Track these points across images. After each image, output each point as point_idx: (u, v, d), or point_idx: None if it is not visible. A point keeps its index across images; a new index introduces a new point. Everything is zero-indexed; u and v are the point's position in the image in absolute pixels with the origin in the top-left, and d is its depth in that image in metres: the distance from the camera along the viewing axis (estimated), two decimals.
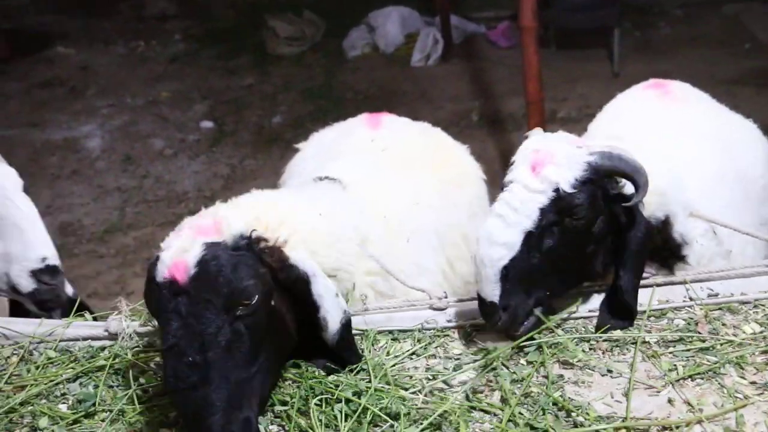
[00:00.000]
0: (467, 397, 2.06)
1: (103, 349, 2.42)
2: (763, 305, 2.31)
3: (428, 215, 2.91)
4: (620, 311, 2.26)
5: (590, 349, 2.22)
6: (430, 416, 1.94)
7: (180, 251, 1.97)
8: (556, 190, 2.10)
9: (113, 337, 2.44)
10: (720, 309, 2.32)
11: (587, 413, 1.94)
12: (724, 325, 2.25)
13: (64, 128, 8.86)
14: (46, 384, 2.29)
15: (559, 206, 2.10)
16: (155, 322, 2.43)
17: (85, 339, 2.46)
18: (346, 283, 2.37)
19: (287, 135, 8.47)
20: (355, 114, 9.37)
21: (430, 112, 8.23)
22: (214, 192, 7.51)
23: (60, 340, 2.46)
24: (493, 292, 2.08)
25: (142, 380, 2.25)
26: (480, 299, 2.13)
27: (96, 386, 2.25)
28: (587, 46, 9.34)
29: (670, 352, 2.16)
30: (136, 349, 2.40)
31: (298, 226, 2.23)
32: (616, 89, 9.04)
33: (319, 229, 2.32)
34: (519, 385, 2.08)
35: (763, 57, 8.98)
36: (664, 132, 2.68)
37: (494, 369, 2.14)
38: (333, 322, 2.13)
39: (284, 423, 2.05)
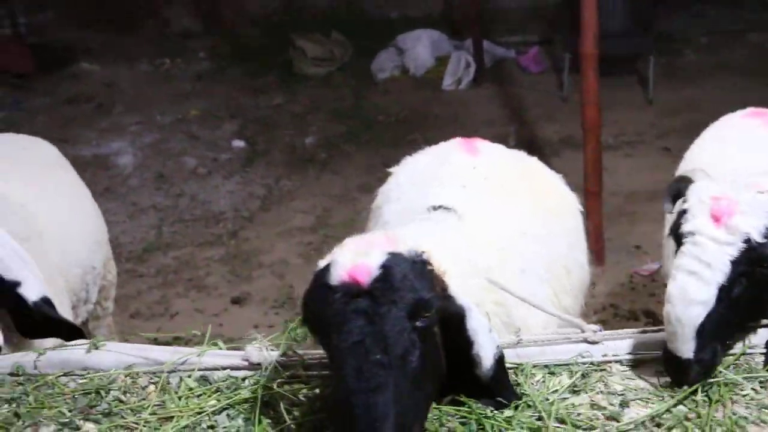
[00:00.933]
0: None
1: (244, 379, 2.34)
2: None
3: (535, 246, 2.87)
4: None
5: (761, 387, 2.17)
6: None
7: (359, 255, 1.92)
8: (747, 240, 2.06)
9: (253, 367, 2.36)
10: None
11: None
12: None
13: (93, 145, 8.78)
14: (191, 416, 2.21)
15: (750, 257, 2.07)
16: (294, 353, 2.37)
17: (223, 368, 2.37)
18: None
19: (321, 155, 8.45)
20: (388, 137, 9.39)
21: (465, 136, 8.20)
22: (251, 213, 7.44)
23: (198, 369, 2.38)
24: (689, 350, 2.05)
25: (295, 413, 2.17)
26: (668, 356, 2.10)
27: (247, 419, 2.17)
28: (617, 74, 9.37)
29: None
30: (280, 380, 2.31)
31: (444, 259, 2.17)
32: (650, 116, 9.08)
33: (460, 261, 2.27)
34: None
35: None
36: None
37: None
38: (487, 358, 2.06)
39: None
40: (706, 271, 2.05)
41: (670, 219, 2.63)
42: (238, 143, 8.72)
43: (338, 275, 1.89)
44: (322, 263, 1.99)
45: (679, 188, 2.35)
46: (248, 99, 9.73)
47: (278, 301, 6.11)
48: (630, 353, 2.30)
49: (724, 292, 2.05)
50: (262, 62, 10.49)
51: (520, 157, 3.49)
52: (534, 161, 3.52)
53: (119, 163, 8.37)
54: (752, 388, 2.15)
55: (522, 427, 2.01)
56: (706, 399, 2.10)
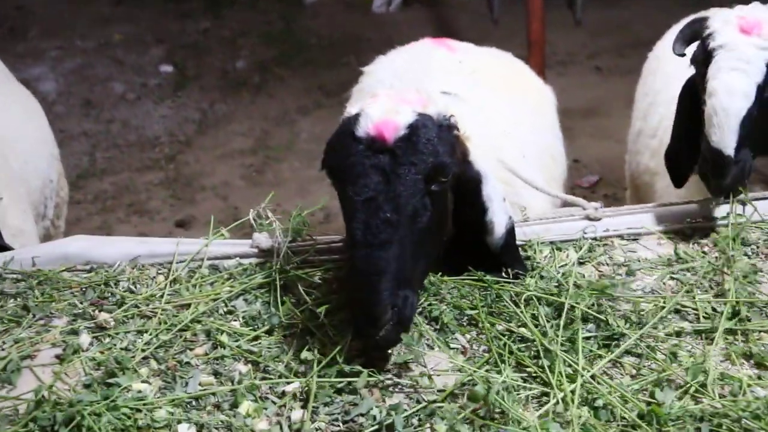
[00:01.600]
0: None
1: (256, 265, 2.32)
2: None
3: (529, 135, 2.93)
4: None
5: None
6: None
7: (389, 112, 1.93)
8: None
9: (264, 254, 2.34)
10: None
11: None
12: None
13: (10, 70, 8.30)
14: (207, 303, 2.19)
15: None
16: (304, 238, 2.36)
17: (233, 257, 2.35)
18: None
19: (254, 79, 8.26)
20: (321, 60, 9.18)
21: None
22: (188, 137, 7.26)
23: (207, 258, 2.34)
24: (731, 143, 2.18)
25: (315, 294, 2.17)
26: (709, 156, 2.21)
27: (265, 302, 2.17)
28: None
29: None
30: (293, 265, 2.30)
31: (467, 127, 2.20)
32: (581, 37, 9.15)
33: (475, 135, 2.30)
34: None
35: (715, 6, 9.33)
36: None
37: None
38: (499, 224, 2.13)
39: (482, 325, 2.03)
40: (746, 66, 2.22)
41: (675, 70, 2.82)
42: (167, 68, 8.43)
43: (365, 127, 1.91)
44: (351, 110, 2.01)
45: (693, 30, 2.46)
46: (174, 23, 9.36)
47: (224, 223, 5.99)
48: (630, 228, 2.40)
49: (759, 91, 2.22)
50: None
51: (496, 53, 3.52)
52: (510, 56, 3.55)
53: (41, 90, 7.93)
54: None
55: (542, 292, 2.08)
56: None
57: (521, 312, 2.03)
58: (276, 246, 2.31)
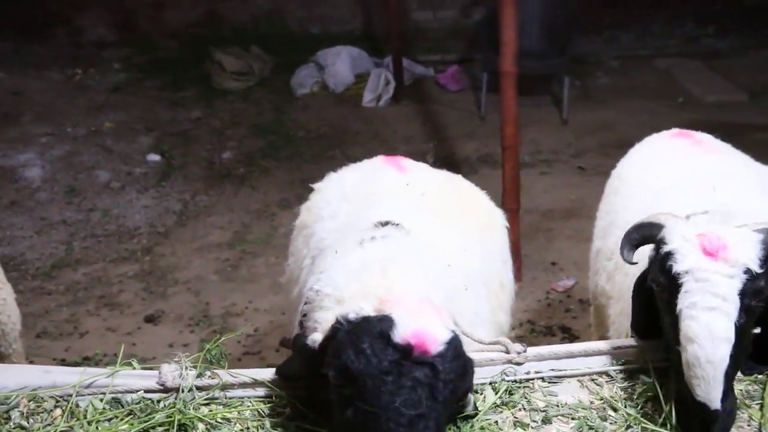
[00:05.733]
0: None
1: (159, 401, 2.24)
2: None
3: (475, 263, 2.86)
4: None
5: None
6: None
7: (420, 319, 1.89)
8: (747, 271, 2.01)
9: (169, 389, 2.26)
10: None
11: None
12: None
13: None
14: None
15: (753, 289, 2.01)
16: (212, 374, 2.29)
17: (137, 391, 2.27)
18: None
19: (239, 170, 8.31)
20: (308, 152, 9.32)
21: (386, 153, 8.20)
22: (167, 228, 7.24)
23: (109, 392, 2.26)
24: (718, 395, 1.92)
25: None
26: (692, 409, 1.98)
27: None
28: (533, 94, 9.56)
29: None
30: (195, 401, 2.22)
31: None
32: (566, 136, 9.27)
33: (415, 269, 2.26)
34: None
35: (697, 110, 9.43)
36: (722, 181, 2.68)
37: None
38: None
39: None
40: (723, 303, 1.97)
41: (625, 268, 2.57)
42: (154, 157, 8.50)
43: (404, 335, 1.83)
44: (367, 311, 1.93)
45: (643, 235, 2.25)
46: (165, 112, 9.49)
47: (194, 319, 5.94)
48: (553, 369, 2.31)
49: (737, 328, 1.97)
50: (180, 75, 10.27)
51: (445, 174, 3.51)
52: (459, 178, 3.54)
53: (27, 176, 8.02)
54: None
55: None
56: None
57: None
58: (181, 382, 2.22)
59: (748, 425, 2.14)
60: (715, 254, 2.02)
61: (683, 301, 2.01)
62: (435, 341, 1.84)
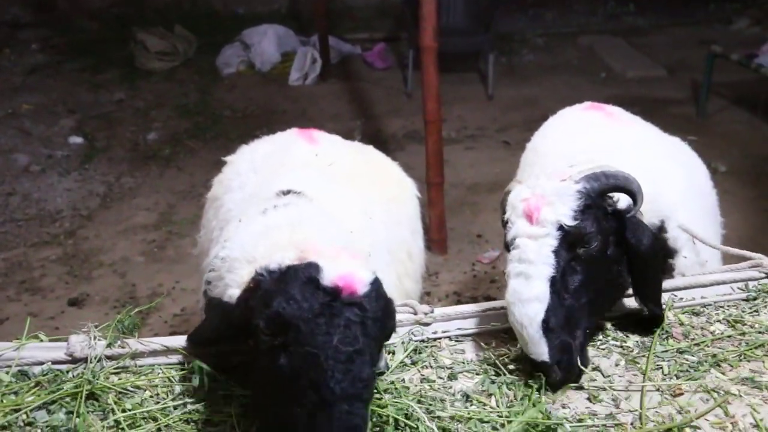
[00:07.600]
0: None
1: (68, 371, 2.22)
2: (721, 306, 2.49)
3: (381, 231, 2.91)
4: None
5: None
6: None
7: (345, 265, 1.94)
8: (560, 227, 2.10)
9: (78, 360, 2.25)
10: (685, 313, 2.47)
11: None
12: (692, 327, 2.40)
13: None
14: (7, 414, 2.07)
15: (569, 242, 2.11)
16: (122, 344, 2.28)
17: (43, 363, 2.25)
18: None
19: (164, 152, 8.21)
20: (235, 132, 9.24)
21: None
22: (90, 211, 7.12)
23: (17, 365, 2.23)
24: (542, 351, 2.04)
25: (126, 405, 2.09)
26: (534, 363, 2.08)
27: (69, 412, 2.07)
28: (458, 70, 9.66)
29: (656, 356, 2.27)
30: (105, 371, 2.22)
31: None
32: (491, 111, 9.41)
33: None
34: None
35: (619, 85, 9.68)
36: (628, 149, 2.78)
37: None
38: None
39: None
40: (530, 268, 2.07)
41: None
42: (76, 139, 8.31)
43: (331, 278, 1.87)
44: (289, 260, 1.95)
45: (502, 205, 2.37)
46: (87, 94, 9.29)
47: (120, 301, 5.86)
48: (459, 329, 2.38)
49: (557, 283, 2.08)
50: (102, 56, 10.06)
51: (357, 146, 3.53)
52: (371, 149, 3.56)
53: None
54: None
55: None
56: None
57: None
58: (89, 351, 2.21)
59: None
60: (531, 218, 2.13)
61: (507, 271, 2.15)
62: (361, 282, 1.89)
